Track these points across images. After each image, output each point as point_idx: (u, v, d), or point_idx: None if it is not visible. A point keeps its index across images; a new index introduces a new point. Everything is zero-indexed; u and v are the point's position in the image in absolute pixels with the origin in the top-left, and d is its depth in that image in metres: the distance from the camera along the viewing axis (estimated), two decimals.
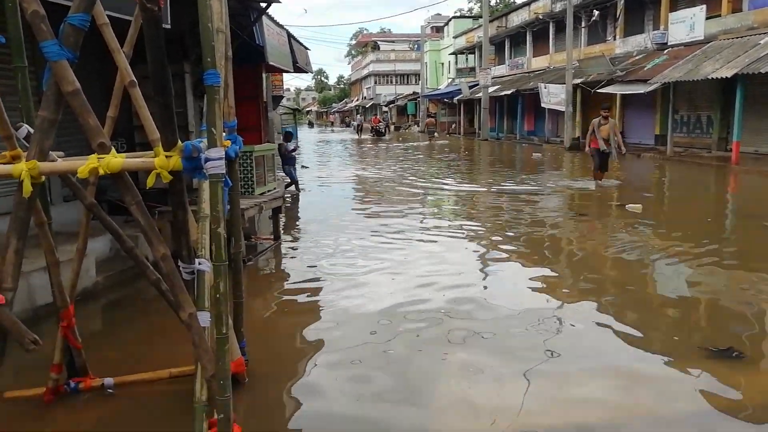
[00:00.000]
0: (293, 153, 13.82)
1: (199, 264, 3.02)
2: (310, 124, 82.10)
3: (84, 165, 2.40)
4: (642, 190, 12.64)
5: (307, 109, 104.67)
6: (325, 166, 21.05)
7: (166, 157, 2.48)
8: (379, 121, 47.97)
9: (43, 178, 2.49)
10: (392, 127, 53.74)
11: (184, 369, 3.59)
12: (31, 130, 3.24)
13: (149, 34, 2.17)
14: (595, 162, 13.05)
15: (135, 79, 3.08)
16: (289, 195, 13.09)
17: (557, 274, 6.35)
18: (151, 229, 2.61)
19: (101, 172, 2.41)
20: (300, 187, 13.68)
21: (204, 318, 2.89)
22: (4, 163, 2.84)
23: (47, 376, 3.53)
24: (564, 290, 5.80)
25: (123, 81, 3.15)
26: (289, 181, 13.61)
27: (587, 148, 13.30)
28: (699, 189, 13.90)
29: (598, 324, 4.83)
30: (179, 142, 2.49)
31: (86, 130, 2.42)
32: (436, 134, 39.90)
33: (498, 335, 4.58)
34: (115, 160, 2.42)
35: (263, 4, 7.76)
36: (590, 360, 4.15)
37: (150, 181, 2.51)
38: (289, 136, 14.60)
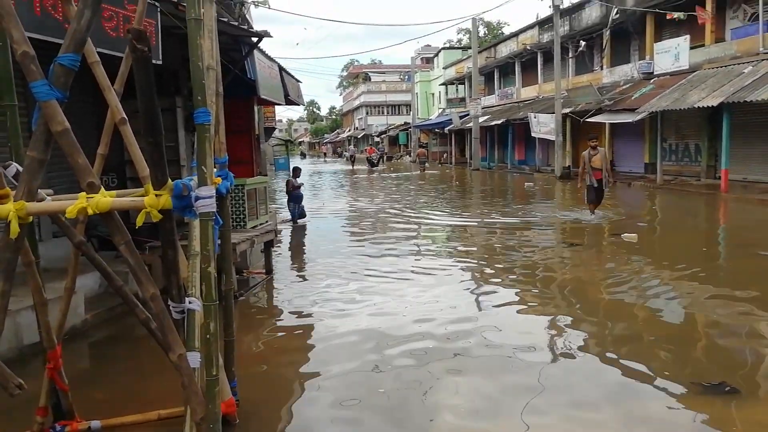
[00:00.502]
0: (296, 189, 13.62)
1: (190, 303, 2.98)
2: (303, 155, 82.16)
3: (73, 205, 2.36)
4: (636, 220, 12.64)
5: (300, 140, 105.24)
6: (318, 197, 21.04)
7: (156, 195, 2.45)
8: (374, 152, 47.44)
9: (31, 218, 2.45)
10: (385, 158, 53.56)
11: (173, 411, 3.50)
12: (20, 169, 3.21)
13: (139, 74, 2.16)
14: (590, 195, 12.71)
15: (125, 117, 3.07)
16: (291, 226, 13.11)
17: (557, 317, 6.07)
18: (140, 269, 2.57)
19: (90, 212, 2.37)
20: (298, 220, 13.58)
21: (194, 358, 2.83)
22: None
23: (32, 419, 3.43)
24: (561, 331, 5.66)
25: (114, 118, 3.14)
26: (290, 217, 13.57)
27: (580, 183, 12.90)
28: (691, 218, 13.94)
29: (592, 361, 4.77)
30: (169, 180, 2.47)
31: (75, 170, 2.39)
32: (427, 164, 40.15)
33: (495, 387, 4.41)
34: (104, 199, 2.39)
35: (254, 39, 7.83)
36: (584, 400, 4.07)
37: (140, 221, 2.47)
38: (298, 171, 14.28)
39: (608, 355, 4.87)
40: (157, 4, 5.32)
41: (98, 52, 3.19)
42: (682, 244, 10.13)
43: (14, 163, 3.21)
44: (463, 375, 4.54)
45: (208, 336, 2.58)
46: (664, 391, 4.08)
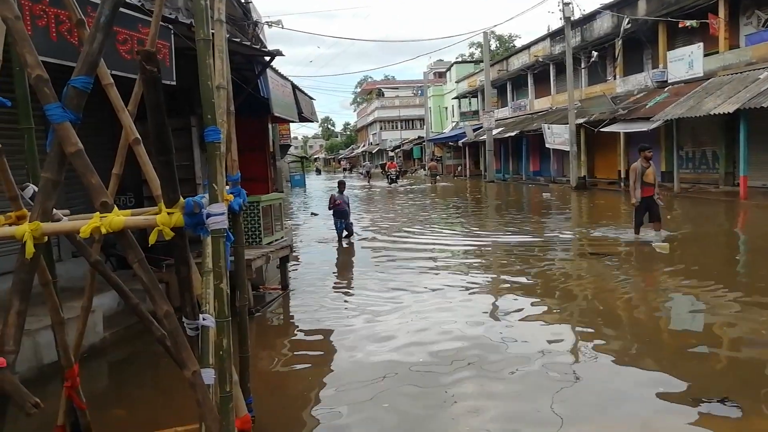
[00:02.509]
0: (338, 205, 12.90)
1: (203, 319, 2.99)
2: (318, 171, 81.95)
3: (86, 225, 2.40)
4: (663, 229, 12.21)
5: (315, 156, 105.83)
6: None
7: (168, 213, 2.48)
8: (395, 167, 43.06)
9: (46, 238, 2.49)
10: (400, 172, 52.51)
11: (189, 427, 3.51)
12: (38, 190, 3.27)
13: (149, 94, 2.20)
14: (639, 215, 10.89)
15: (139, 137, 3.11)
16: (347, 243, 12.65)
17: (578, 330, 6.01)
18: (154, 287, 2.60)
19: (103, 231, 2.41)
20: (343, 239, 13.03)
21: (208, 375, 2.84)
22: (9, 224, 2.86)
23: None
24: (579, 344, 5.61)
25: (128, 139, 3.19)
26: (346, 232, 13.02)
27: (634, 200, 10.84)
28: (716, 225, 13.51)
29: (598, 376, 4.69)
30: (181, 198, 2.50)
31: (89, 190, 2.43)
32: (438, 177, 40.52)
33: (509, 390, 4.43)
34: (117, 218, 2.42)
35: (267, 58, 7.93)
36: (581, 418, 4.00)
37: (152, 239, 2.50)
38: (342, 185, 13.60)
39: (618, 369, 4.80)
40: (170, 26, 5.42)
41: (113, 75, 3.25)
42: (712, 253, 9.94)
43: (31, 185, 3.27)
44: (486, 398, 4.42)
45: (221, 353, 2.59)
46: (665, 407, 4.00)
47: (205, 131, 2.46)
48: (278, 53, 7.78)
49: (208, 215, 2.50)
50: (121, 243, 2.57)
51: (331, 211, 13.07)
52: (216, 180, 2.50)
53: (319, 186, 42.69)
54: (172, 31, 5.47)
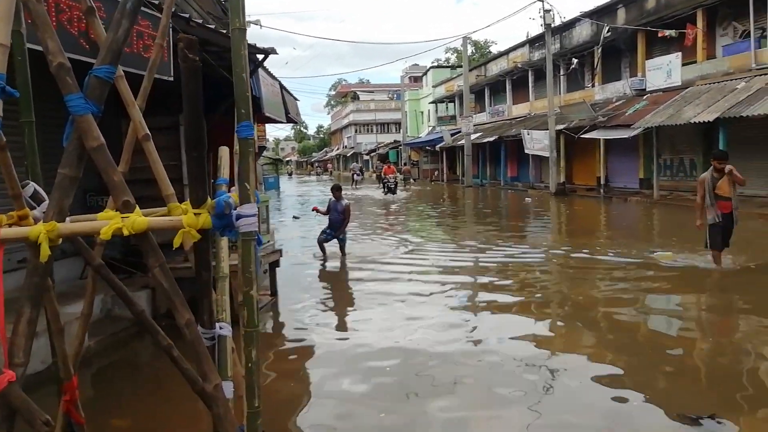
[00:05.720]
0: (334, 213, 11.03)
1: (221, 329, 2.82)
2: (290, 174, 79.73)
3: (107, 226, 2.20)
4: (658, 236, 11.73)
5: (287, 158, 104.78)
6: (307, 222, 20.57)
7: (195, 214, 2.30)
8: (393, 172, 31.95)
9: (60, 240, 2.28)
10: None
11: None
12: (38, 188, 3.04)
13: (189, 85, 2.02)
14: (717, 236, 8.68)
15: (149, 133, 2.92)
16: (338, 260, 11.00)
17: (564, 339, 6.02)
18: (176, 294, 2.40)
19: (126, 232, 2.21)
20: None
21: (227, 388, 2.66)
22: (11, 224, 2.63)
23: None
24: (561, 353, 5.58)
25: (137, 134, 2.99)
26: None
27: (699, 220, 8.86)
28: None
29: (584, 388, 4.61)
30: (209, 198, 2.32)
31: (111, 188, 2.24)
32: (412, 180, 40.99)
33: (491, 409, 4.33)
34: (141, 219, 2.23)
35: (260, 57, 7.70)
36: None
37: (177, 241, 2.31)
38: (335, 189, 11.53)
39: (603, 382, 4.68)
40: (170, 20, 5.18)
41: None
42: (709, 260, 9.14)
43: (32, 183, 3.04)
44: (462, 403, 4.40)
45: (249, 365, 2.41)
46: (650, 426, 3.94)
47: (239, 126, 2.28)
48: (272, 51, 7.56)
49: (239, 216, 2.32)
50: (142, 246, 2.37)
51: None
52: (248, 179, 2.33)
53: (293, 191, 42.09)
54: (171, 26, 5.23)
